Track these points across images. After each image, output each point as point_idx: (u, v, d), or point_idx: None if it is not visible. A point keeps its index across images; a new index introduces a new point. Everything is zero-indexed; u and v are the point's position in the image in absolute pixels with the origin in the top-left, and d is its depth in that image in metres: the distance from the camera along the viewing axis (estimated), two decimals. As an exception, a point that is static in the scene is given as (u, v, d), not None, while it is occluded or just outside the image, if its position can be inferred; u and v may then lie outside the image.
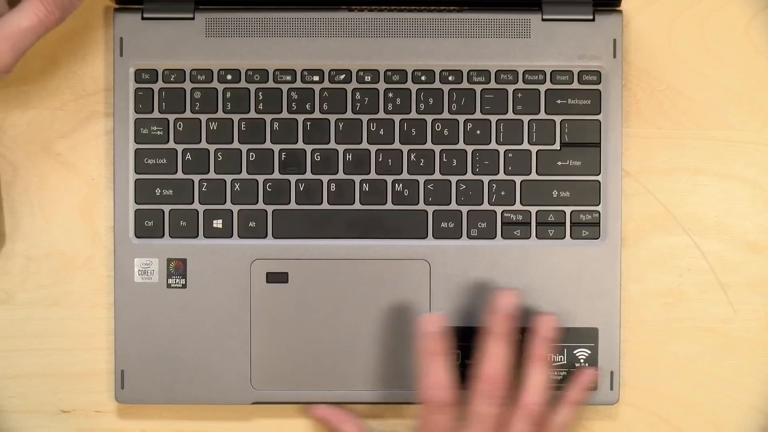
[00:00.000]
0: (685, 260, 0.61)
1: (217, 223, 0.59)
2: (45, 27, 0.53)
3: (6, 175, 0.60)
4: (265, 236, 0.59)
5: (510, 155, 0.59)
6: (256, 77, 0.59)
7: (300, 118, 0.59)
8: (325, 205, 0.59)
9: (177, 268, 0.58)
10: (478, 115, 0.59)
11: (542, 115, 0.59)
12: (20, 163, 0.60)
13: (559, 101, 0.58)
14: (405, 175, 0.59)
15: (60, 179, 0.60)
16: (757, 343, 0.60)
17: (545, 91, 0.58)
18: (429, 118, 0.59)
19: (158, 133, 0.59)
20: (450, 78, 0.59)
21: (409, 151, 0.59)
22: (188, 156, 0.59)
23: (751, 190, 0.61)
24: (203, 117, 0.59)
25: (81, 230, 0.60)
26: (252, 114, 0.59)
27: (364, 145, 0.59)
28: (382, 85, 0.59)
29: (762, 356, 0.60)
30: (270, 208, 0.59)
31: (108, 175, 0.60)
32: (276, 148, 0.59)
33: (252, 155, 0.59)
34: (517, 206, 0.59)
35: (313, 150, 0.59)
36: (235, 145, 0.59)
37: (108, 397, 0.60)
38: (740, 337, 0.60)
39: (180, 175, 0.59)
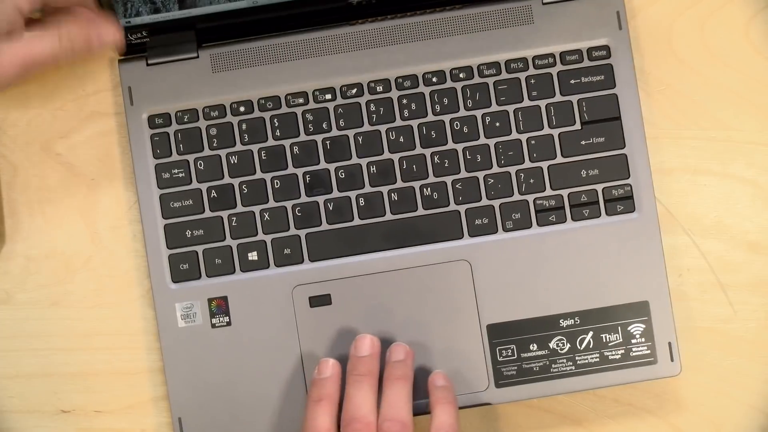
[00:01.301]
0: (685, 260, 0.60)
1: (253, 256, 0.58)
2: (56, 61, 0.54)
3: (6, 175, 0.60)
4: (302, 261, 0.58)
5: (533, 142, 0.58)
6: (269, 105, 0.58)
7: (318, 138, 0.58)
8: (356, 221, 0.58)
9: (219, 307, 0.58)
10: (494, 107, 0.58)
11: (558, 98, 0.58)
12: (20, 163, 0.60)
13: (572, 81, 0.58)
14: (431, 179, 0.58)
15: (60, 179, 0.60)
16: (757, 343, 0.60)
17: (557, 73, 0.58)
18: (446, 118, 0.58)
19: (180, 175, 0.58)
20: (461, 75, 0.58)
21: (432, 154, 0.58)
22: (213, 193, 0.58)
23: (751, 190, 0.60)
24: (222, 152, 0.58)
25: (81, 230, 0.60)
26: (270, 142, 0.58)
27: (386, 155, 0.58)
28: (394, 93, 0.58)
29: (762, 356, 0.60)
30: (303, 233, 0.58)
31: (108, 174, 0.60)
32: (299, 171, 0.58)
33: (276, 182, 0.58)
34: (548, 192, 0.58)
35: (336, 168, 0.58)
36: (258, 175, 0.58)
37: (108, 397, 0.60)
38: (740, 337, 0.60)
39: (208, 213, 0.58)
